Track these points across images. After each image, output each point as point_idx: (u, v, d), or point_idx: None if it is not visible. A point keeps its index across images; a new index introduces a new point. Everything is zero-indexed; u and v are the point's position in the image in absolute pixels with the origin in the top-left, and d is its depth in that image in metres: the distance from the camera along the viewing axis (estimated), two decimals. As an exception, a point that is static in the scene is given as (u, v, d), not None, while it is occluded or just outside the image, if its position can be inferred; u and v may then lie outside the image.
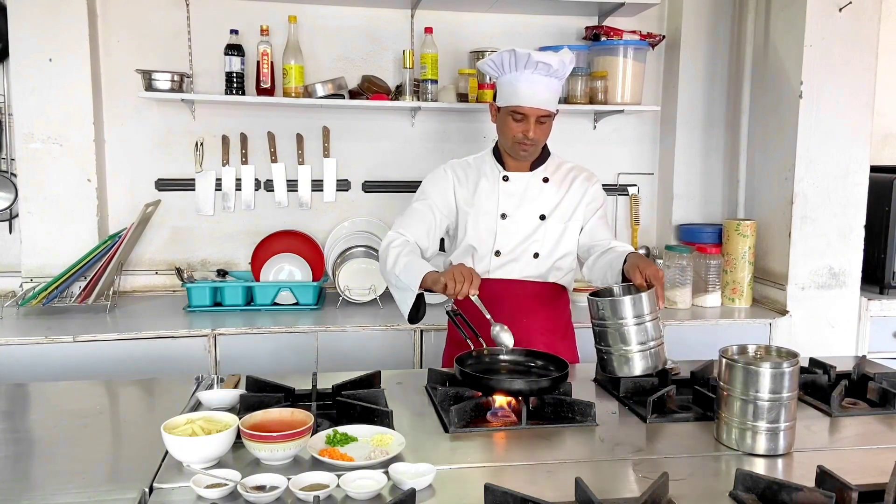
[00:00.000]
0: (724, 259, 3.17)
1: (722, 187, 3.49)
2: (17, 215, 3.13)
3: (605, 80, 3.22)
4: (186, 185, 3.25)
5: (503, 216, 2.21)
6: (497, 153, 2.29)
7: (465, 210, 2.24)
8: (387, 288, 3.01)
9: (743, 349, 1.66)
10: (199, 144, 3.22)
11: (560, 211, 2.24)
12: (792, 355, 1.60)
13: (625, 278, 1.98)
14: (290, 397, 1.77)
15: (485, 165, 2.28)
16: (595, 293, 1.89)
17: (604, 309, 1.78)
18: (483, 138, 3.43)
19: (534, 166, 2.26)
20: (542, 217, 2.23)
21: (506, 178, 2.24)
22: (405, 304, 2.13)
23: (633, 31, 3.28)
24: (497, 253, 2.22)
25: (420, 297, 2.12)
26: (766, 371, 1.52)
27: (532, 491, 1.27)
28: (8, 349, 2.54)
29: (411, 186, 3.38)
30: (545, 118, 2.15)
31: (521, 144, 2.16)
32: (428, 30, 3.18)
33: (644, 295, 1.78)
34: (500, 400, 1.77)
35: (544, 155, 2.28)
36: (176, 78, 2.99)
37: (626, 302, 1.77)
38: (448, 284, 1.90)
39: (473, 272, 1.93)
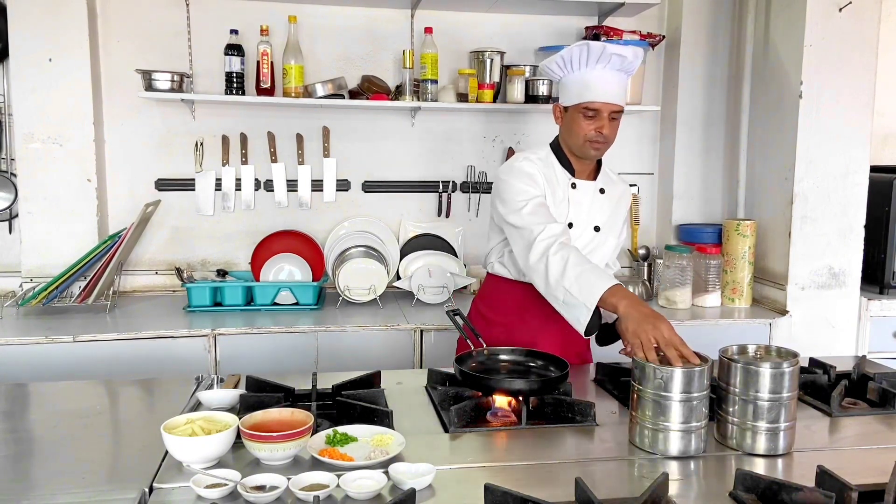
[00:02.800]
0: (724, 259, 3.17)
1: (722, 187, 3.49)
2: (17, 215, 3.13)
3: (605, 80, 3.21)
4: (186, 185, 3.25)
5: (570, 225, 2.13)
6: (559, 155, 2.18)
7: None
8: (387, 287, 3.06)
9: (743, 349, 1.66)
10: (199, 144, 3.22)
11: (610, 223, 2.21)
12: (792, 355, 1.60)
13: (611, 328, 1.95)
14: (290, 397, 1.77)
15: (552, 167, 2.17)
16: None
17: (661, 377, 1.53)
18: (483, 138, 3.43)
19: (595, 175, 2.20)
20: (597, 229, 2.18)
21: (574, 186, 2.16)
22: (579, 322, 1.89)
23: (633, 31, 3.27)
24: None
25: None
26: (766, 371, 1.52)
27: (532, 491, 1.27)
28: (8, 349, 2.54)
29: (411, 186, 3.40)
30: (617, 114, 2.07)
31: (594, 143, 2.07)
32: (428, 30, 3.18)
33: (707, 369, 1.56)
34: (500, 400, 1.77)
35: (599, 163, 2.22)
36: (176, 78, 3.00)
37: (695, 374, 1.52)
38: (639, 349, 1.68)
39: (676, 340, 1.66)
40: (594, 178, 2.20)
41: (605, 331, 2.15)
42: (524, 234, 2.00)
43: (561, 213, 2.13)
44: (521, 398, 1.73)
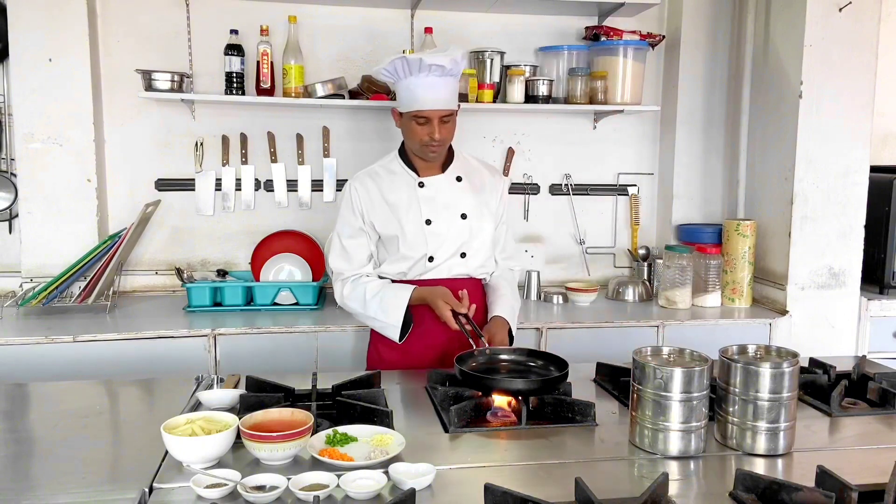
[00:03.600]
0: (724, 259, 3.17)
1: (722, 187, 3.49)
2: (17, 215, 3.13)
3: (604, 80, 3.22)
4: (186, 185, 3.25)
5: (428, 222, 2.23)
6: (405, 157, 2.29)
7: (388, 221, 2.24)
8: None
9: (743, 349, 1.66)
10: (199, 144, 3.22)
11: (478, 208, 2.28)
12: (792, 355, 1.60)
13: None
14: (290, 397, 1.77)
15: (395, 173, 2.28)
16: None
17: (661, 377, 1.52)
18: (483, 138, 3.44)
19: (444, 167, 2.28)
20: (464, 216, 2.26)
21: (421, 185, 2.25)
22: (392, 335, 2.21)
23: (633, 31, 3.28)
24: (430, 259, 2.24)
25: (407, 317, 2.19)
26: (766, 371, 1.52)
27: (532, 491, 1.27)
28: (8, 349, 2.54)
29: (411, 186, 3.40)
30: (448, 117, 2.17)
31: (429, 146, 2.18)
32: (428, 30, 3.18)
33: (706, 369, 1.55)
34: (499, 400, 1.77)
35: (451, 154, 2.30)
36: (176, 78, 2.99)
37: (695, 374, 1.52)
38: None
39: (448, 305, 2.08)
40: (443, 171, 2.27)
41: None
42: (333, 273, 2.31)
43: (413, 213, 2.22)
44: (520, 398, 1.73)
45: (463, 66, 2.19)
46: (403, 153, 2.30)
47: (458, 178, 2.28)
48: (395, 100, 3.15)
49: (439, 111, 2.13)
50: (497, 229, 2.35)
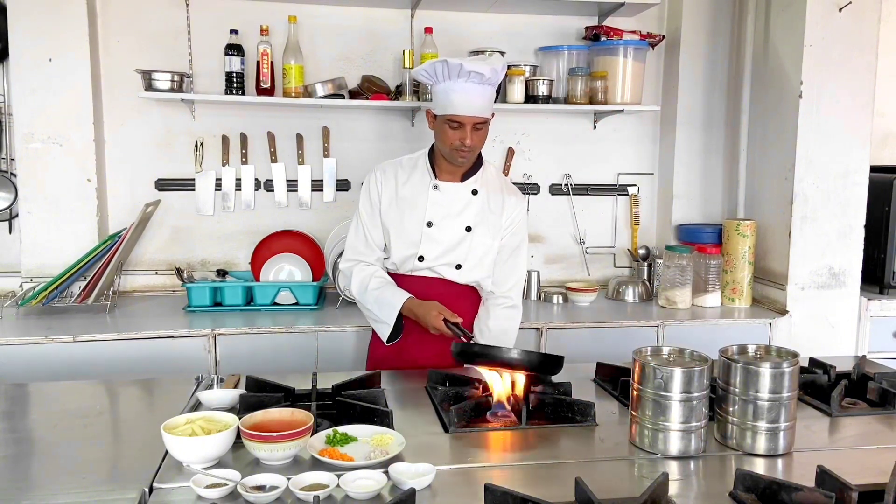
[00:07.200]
0: (724, 259, 3.17)
1: (722, 187, 3.49)
2: (17, 215, 3.13)
3: (604, 80, 3.22)
4: (186, 185, 3.25)
5: (429, 224, 2.24)
6: (431, 157, 2.30)
7: (392, 211, 2.27)
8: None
9: (743, 349, 1.66)
10: (199, 144, 3.22)
11: (486, 225, 2.27)
12: (792, 355, 1.60)
13: None
14: (290, 397, 1.77)
15: (417, 170, 2.30)
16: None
17: (661, 377, 1.53)
18: (483, 138, 3.43)
19: (465, 177, 2.28)
20: (468, 229, 2.25)
21: (436, 188, 2.26)
22: (382, 333, 2.24)
23: (633, 31, 3.28)
24: (420, 258, 2.25)
25: (398, 320, 2.21)
26: (766, 371, 1.52)
27: (532, 491, 1.27)
28: (8, 349, 2.54)
29: (411, 186, 3.40)
30: (481, 125, 2.17)
31: (459, 151, 2.18)
32: (428, 30, 3.18)
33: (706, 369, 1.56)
34: (498, 387, 1.76)
35: (477, 164, 2.30)
36: (176, 78, 2.99)
37: (695, 374, 1.52)
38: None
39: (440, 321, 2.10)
40: (463, 181, 2.28)
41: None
42: (344, 255, 2.34)
43: (419, 212, 2.25)
44: (520, 397, 1.73)
45: (501, 76, 2.19)
46: (432, 153, 2.31)
47: (475, 192, 2.28)
48: (394, 100, 3.17)
49: (473, 117, 2.14)
50: (500, 253, 2.30)
